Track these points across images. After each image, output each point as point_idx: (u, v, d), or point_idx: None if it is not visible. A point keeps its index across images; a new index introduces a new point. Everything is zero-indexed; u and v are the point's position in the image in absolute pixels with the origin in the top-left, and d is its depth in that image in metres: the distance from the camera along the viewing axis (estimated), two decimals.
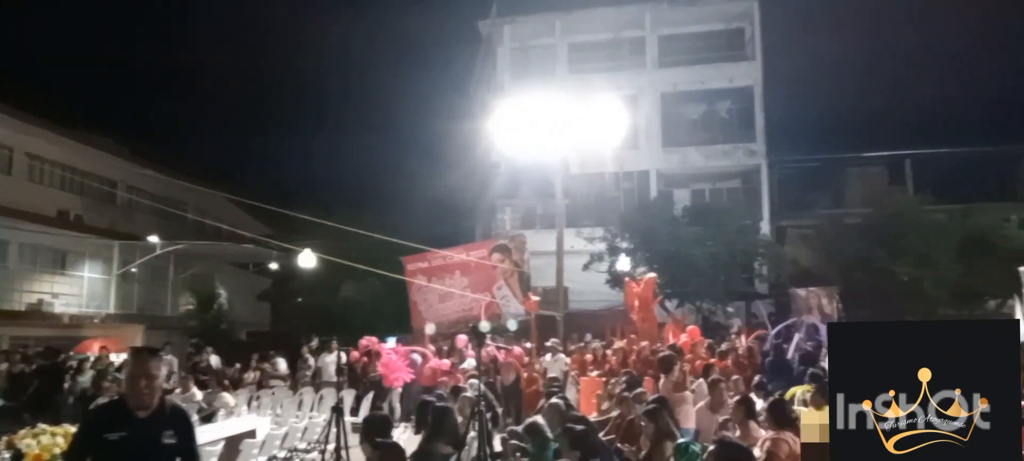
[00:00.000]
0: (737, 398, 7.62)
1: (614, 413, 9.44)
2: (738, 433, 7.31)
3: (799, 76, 29.19)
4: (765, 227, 27.32)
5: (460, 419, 7.22)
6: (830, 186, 30.52)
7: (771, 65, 29.33)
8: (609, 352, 14.79)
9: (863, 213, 24.70)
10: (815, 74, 29.28)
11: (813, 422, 8.55)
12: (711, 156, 29.79)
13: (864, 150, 30.01)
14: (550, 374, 13.58)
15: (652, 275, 17.81)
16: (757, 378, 11.45)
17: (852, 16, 31.64)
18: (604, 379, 12.48)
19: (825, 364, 12.81)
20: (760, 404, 9.21)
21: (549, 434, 6.14)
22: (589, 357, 15.04)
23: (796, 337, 14.66)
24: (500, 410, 10.28)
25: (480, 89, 34.49)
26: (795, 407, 9.31)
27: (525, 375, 13.93)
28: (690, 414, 9.25)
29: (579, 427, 5.64)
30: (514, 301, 16.01)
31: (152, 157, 31.31)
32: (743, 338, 15.82)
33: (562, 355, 14.65)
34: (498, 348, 14.67)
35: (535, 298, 17.48)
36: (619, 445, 7.94)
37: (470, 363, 13.84)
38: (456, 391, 9.39)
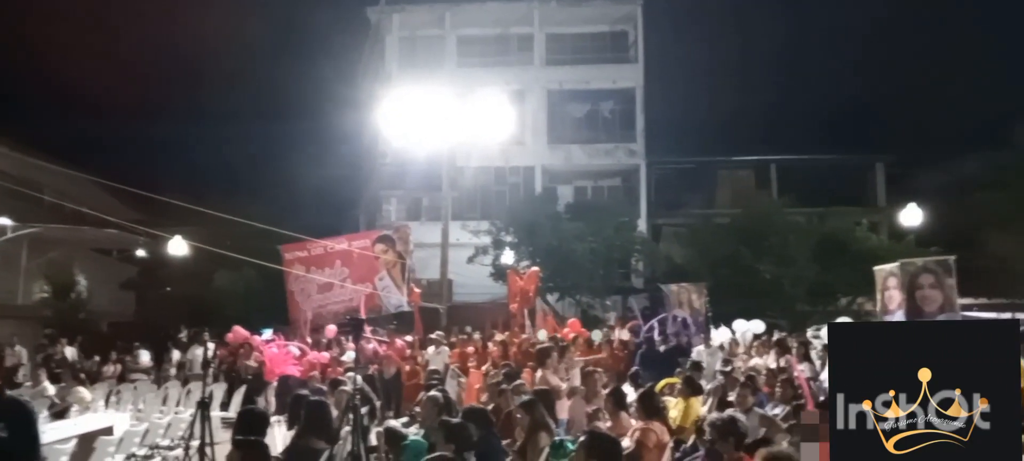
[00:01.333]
0: (608, 389, 7.89)
1: (492, 405, 9.55)
2: (609, 423, 7.59)
3: (678, 81, 30.67)
4: (642, 225, 28.41)
5: (336, 413, 7.10)
6: (703, 187, 32.08)
7: (652, 69, 30.56)
8: (491, 344, 14.95)
9: (732, 214, 26.12)
10: (693, 79, 30.87)
11: (679, 412, 9.06)
12: (594, 154, 30.63)
13: (734, 154, 31.77)
14: (432, 367, 13.57)
15: (535, 269, 18.15)
16: (632, 370, 11.88)
17: (729, 26, 33.41)
18: (485, 371, 12.59)
19: (693, 355, 13.55)
20: (632, 395, 9.61)
21: (403, 434, 6.19)
22: (471, 349, 15.13)
23: (667, 330, 15.31)
24: (379, 403, 10.16)
25: (367, 78, 33.86)
26: (664, 398, 9.79)
27: (407, 368, 13.84)
28: (564, 405, 9.49)
29: (454, 420, 5.68)
30: (396, 292, 15.85)
31: (6, 133, 28.68)
32: (618, 331, 16.38)
33: (445, 348, 14.66)
34: (379, 341, 14.49)
35: (417, 290, 17.39)
36: None
37: (351, 356, 13.60)
38: (335, 384, 9.21)
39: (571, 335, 15.08)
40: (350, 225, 31.07)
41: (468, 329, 17.45)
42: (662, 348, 14.64)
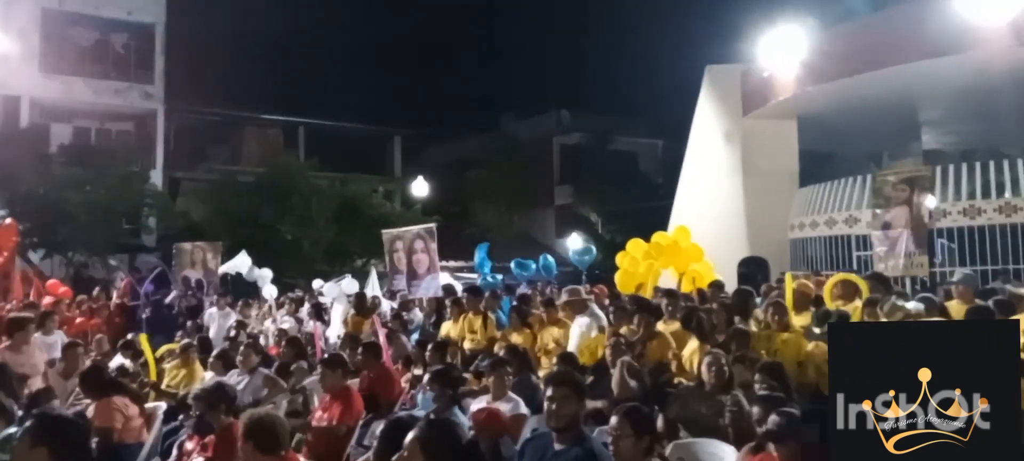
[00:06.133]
0: (86, 369, 6.94)
1: None
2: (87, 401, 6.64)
3: (207, 24, 28.20)
4: (157, 177, 25.98)
5: None
6: (228, 142, 30.80)
7: (176, 6, 27.73)
8: None
9: (257, 172, 25.60)
10: (224, 26, 28.75)
11: (180, 378, 8.46)
12: (101, 92, 26.73)
13: (264, 112, 31.07)
14: None
15: (10, 221, 15.15)
16: (127, 337, 10.68)
17: None
18: None
19: (205, 318, 12.92)
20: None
21: None
22: None
23: (175, 291, 14.38)
24: None
25: None
26: (164, 363, 9.07)
27: None
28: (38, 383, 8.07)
29: None
30: None
31: None
32: (116, 294, 14.81)
33: None
34: None
35: None
36: None
37: None
38: None
39: (53, 300, 12.93)
40: None
41: None
42: (170, 303, 13.72)
